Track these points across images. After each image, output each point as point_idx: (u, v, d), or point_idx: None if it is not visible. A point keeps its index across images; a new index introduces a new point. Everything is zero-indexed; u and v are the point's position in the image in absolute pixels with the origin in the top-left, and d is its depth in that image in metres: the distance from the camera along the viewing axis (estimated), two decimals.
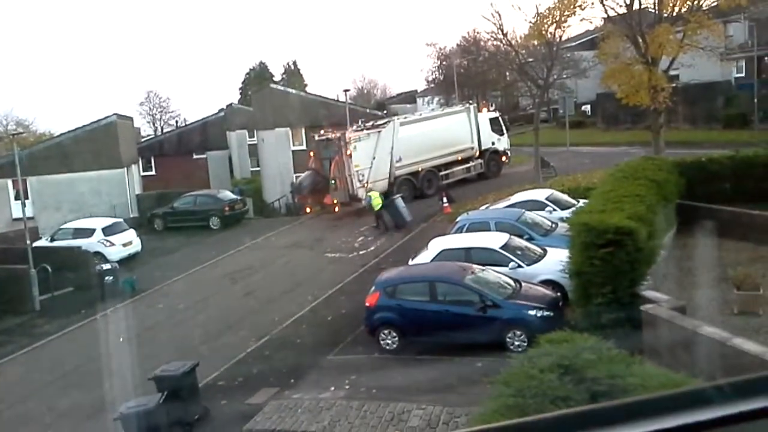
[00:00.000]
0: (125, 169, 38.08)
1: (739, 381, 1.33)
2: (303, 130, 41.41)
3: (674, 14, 26.70)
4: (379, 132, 33.25)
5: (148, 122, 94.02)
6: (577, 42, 50.18)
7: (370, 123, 35.15)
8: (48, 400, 15.91)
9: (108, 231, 29.08)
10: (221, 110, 59.07)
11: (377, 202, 29.23)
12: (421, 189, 34.17)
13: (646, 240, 12.65)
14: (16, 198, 33.42)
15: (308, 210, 32.87)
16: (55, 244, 28.64)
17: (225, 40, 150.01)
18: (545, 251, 17.65)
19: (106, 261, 26.35)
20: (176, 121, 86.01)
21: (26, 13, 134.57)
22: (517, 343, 13.92)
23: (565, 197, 23.83)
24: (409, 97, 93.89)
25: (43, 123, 75.82)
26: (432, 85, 75.66)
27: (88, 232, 28.92)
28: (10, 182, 34.76)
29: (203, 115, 60.15)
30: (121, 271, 24.82)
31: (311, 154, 34.35)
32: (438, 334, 14.91)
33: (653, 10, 27.47)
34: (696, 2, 26.16)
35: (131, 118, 49.11)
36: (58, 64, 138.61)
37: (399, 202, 29.08)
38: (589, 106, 58.70)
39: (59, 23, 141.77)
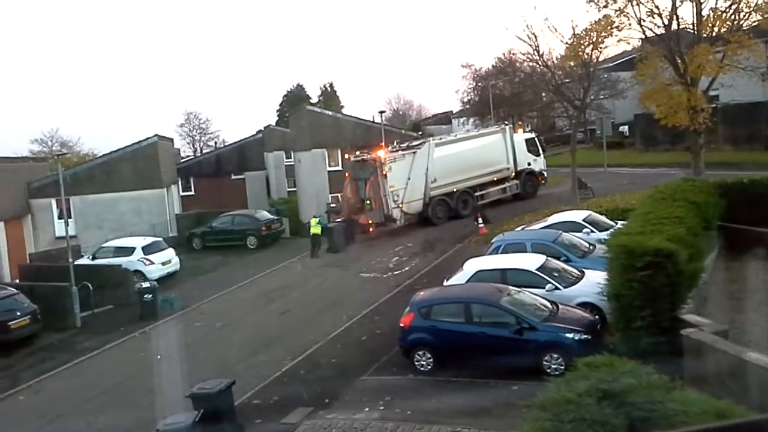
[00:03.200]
0: (165, 189, 38.81)
1: None
2: (339, 151, 41.74)
3: (714, 34, 26.38)
4: (414, 153, 33.36)
5: (188, 143, 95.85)
6: (615, 62, 49.84)
7: (405, 144, 35.31)
8: (87, 416, 16.14)
9: (148, 250, 29.61)
10: (259, 132, 59.97)
11: (315, 229, 31.45)
12: (456, 209, 34.12)
13: (686, 262, 12.42)
14: (60, 217, 34.31)
15: (372, 230, 32.65)
16: (97, 262, 29.25)
17: (263, 63, 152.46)
18: (583, 273, 17.44)
19: (146, 279, 26.80)
20: (215, 143, 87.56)
21: (72, 36, 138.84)
22: (554, 366, 13.74)
23: (602, 218, 23.56)
24: (445, 118, 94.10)
25: (87, 144, 77.45)
26: (467, 106, 75.64)
27: (129, 251, 29.48)
28: (54, 201, 35.70)
29: (241, 136, 61.15)
30: (160, 290, 25.18)
31: (346, 174, 34.59)
32: (473, 357, 14.79)
33: (692, 31, 27.17)
34: (736, 22, 25.83)
35: (171, 140, 50.18)
36: (102, 86, 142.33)
37: (337, 228, 31.67)
38: (627, 127, 58.11)
39: (104, 48, 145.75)
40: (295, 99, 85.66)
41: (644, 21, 26.48)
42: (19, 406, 17.66)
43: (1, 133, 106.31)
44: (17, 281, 28.35)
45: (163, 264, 29.60)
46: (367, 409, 13.70)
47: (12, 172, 36.06)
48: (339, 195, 36.99)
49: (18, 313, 22.52)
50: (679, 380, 7.79)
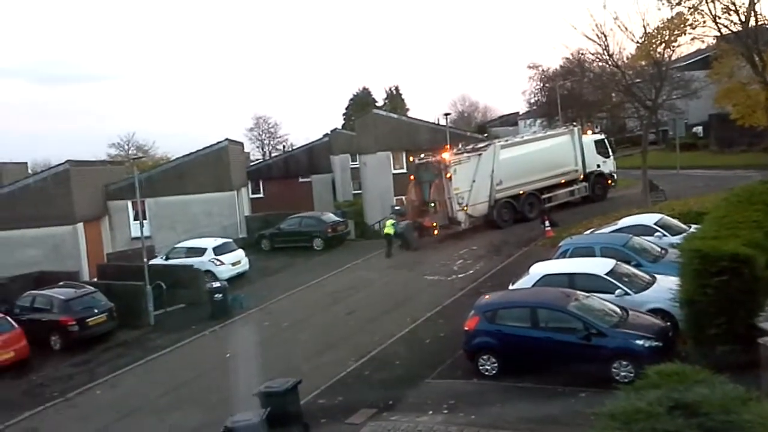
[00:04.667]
0: (235, 191, 39.73)
1: None
2: (404, 154, 41.89)
3: None
4: (480, 155, 33.14)
5: (257, 147, 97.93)
6: (688, 61, 48.26)
7: (471, 146, 35.10)
8: (159, 411, 16.70)
9: (218, 250, 30.37)
10: (326, 135, 60.73)
11: (389, 230, 31.62)
12: (522, 212, 33.71)
13: (763, 268, 11.96)
14: (135, 218, 35.55)
15: (436, 233, 32.79)
16: (170, 262, 30.17)
17: (330, 67, 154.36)
18: (654, 278, 16.98)
19: (216, 279, 27.48)
20: (283, 146, 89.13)
21: (147, 43, 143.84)
22: (623, 373, 13.41)
23: (675, 222, 22.91)
24: (511, 120, 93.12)
25: (162, 147, 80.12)
26: (534, 108, 74.67)
27: (200, 251, 30.30)
28: (129, 203, 37.05)
29: (309, 139, 62.03)
30: (229, 289, 25.78)
31: (411, 177, 34.64)
32: (539, 362, 14.57)
33: None
34: None
35: (242, 143, 51.33)
36: (177, 92, 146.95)
37: (408, 228, 32.07)
38: (700, 128, 56.21)
39: (178, 55, 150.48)
40: (361, 102, 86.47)
41: (719, 18, 25.65)
42: (96, 400, 18.41)
43: (82, 137, 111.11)
44: (95, 280, 29.52)
45: (233, 264, 30.29)
46: (430, 412, 13.69)
47: (91, 175, 37.58)
48: (403, 197, 37.08)
49: (95, 311, 23.48)
50: (756, 391, 7.51)
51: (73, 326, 22.76)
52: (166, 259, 30.85)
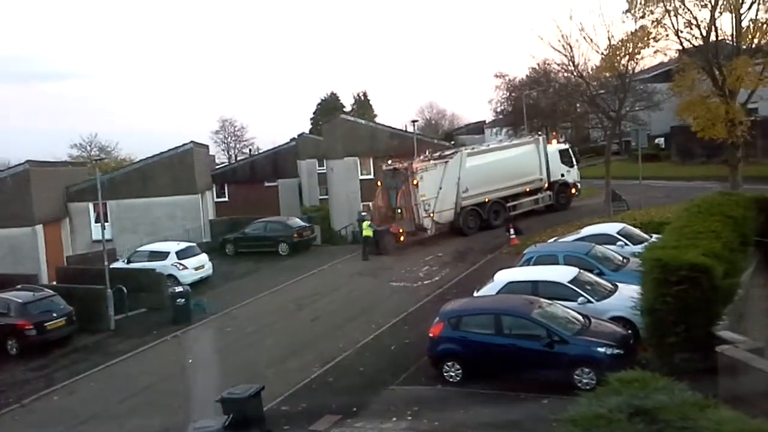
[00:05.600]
0: (200, 195, 39.32)
1: None
2: (371, 160, 41.94)
3: (753, 46, 25.95)
4: (446, 162, 33.33)
5: (223, 150, 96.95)
6: (651, 74, 49.22)
7: (438, 153, 35.29)
8: (119, 418, 16.38)
9: (181, 254, 29.99)
10: (293, 139, 60.50)
11: (367, 231, 31.74)
12: (487, 220, 33.97)
13: (722, 278, 12.20)
14: (96, 221, 34.95)
15: (402, 239, 32.74)
16: (131, 265, 29.69)
17: (298, 71, 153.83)
18: (616, 287, 17.23)
19: (179, 284, 27.12)
20: (249, 150, 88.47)
21: (112, 44, 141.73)
22: (585, 380, 13.57)
23: (637, 232, 23.27)
24: (477, 128, 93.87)
25: (125, 149, 78.85)
26: (500, 116, 75.38)
27: (163, 255, 29.89)
28: (91, 205, 36.42)
29: (275, 143, 61.73)
30: (192, 294, 25.46)
31: (378, 183, 34.67)
32: (503, 369, 14.67)
33: (731, 42, 26.76)
34: None
35: (207, 146, 50.87)
36: (141, 93, 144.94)
37: (386, 231, 32.18)
38: (662, 139, 57.31)
39: (142, 56, 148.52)
40: (328, 107, 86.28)
41: (682, 32, 26.22)
42: (54, 406, 17.99)
43: (43, 137, 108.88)
44: (54, 283, 28.91)
45: (196, 269, 29.95)
46: (394, 419, 13.68)
47: (52, 176, 36.85)
48: (371, 203, 37.09)
49: (54, 315, 22.97)
50: (713, 398, 7.66)
51: (30, 330, 22.23)
52: (128, 262, 30.36)
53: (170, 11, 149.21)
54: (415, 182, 32.03)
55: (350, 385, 16.27)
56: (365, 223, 32.61)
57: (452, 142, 56.01)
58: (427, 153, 35.54)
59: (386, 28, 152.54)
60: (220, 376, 16.52)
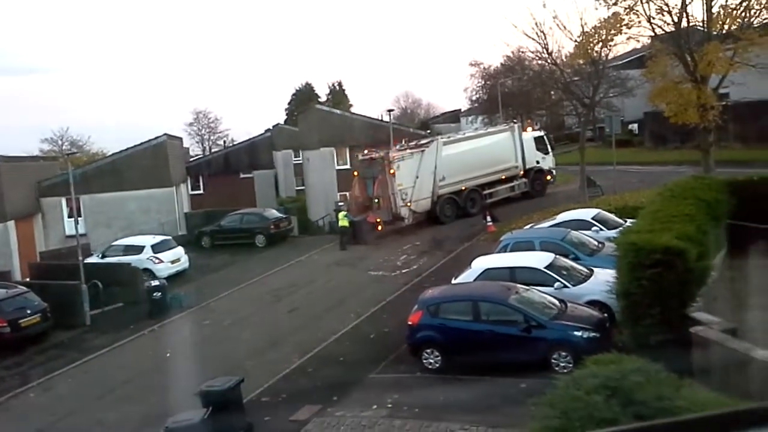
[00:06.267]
0: (174, 187, 38.93)
1: (758, 408, 1.32)
2: (347, 150, 41.80)
3: (724, 32, 26.20)
4: (423, 151, 33.34)
5: (197, 142, 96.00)
6: (624, 60, 49.58)
7: (414, 142, 35.28)
8: (97, 413, 16.24)
9: (157, 248, 29.72)
10: (268, 130, 60.07)
11: (343, 222, 31.76)
12: (464, 208, 34.08)
13: (695, 261, 12.37)
14: (69, 216, 34.49)
15: (380, 228, 32.69)
16: (106, 260, 29.37)
17: (272, 61, 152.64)
18: (591, 271, 17.41)
19: (155, 277, 26.88)
20: (224, 141, 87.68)
21: (83, 36, 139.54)
22: (562, 364, 13.72)
23: (612, 217, 23.49)
24: (453, 117, 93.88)
25: (97, 143, 77.75)
26: (476, 105, 75.49)
27: (138, 249, 29.60)
28: (63, 200, 35.91)
29: (250, 135, 61.24)
30: (169, 288, 25.26)
31: (355, 173, 34.60)
32: (481, 354, 14.79)
33: (702, 28, 27.00)
34: (746, 19, 25.64)
35: (181, 139, 50.35)
36: (113, 85, 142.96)
37: (363, 221, 32.17)
38: (636, 125, 57.84)
39: (114, 46, 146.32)
40: (303, 98, 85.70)
41: (654, 19, 26.31)
42: (30, 403, 17.80)
43: (12, 132, 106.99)
44: (28, 279, 28.51)
45: (172, 262, 29.70)
46: (375, 406, 13.72)
47: (23, 171, 36.25)
48: (347, 193, 37.02)
49: (28, 311, 22.65)
50: (688, 378, 7.78)
51: (4, 328, 21.90)
52: (103, 257, 30.03)
53: (141, 3, 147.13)
54: (392, 171, 32.01)
55: (330, 375, 16.28)
56: (341, 214, 32.56)
57: (428, 131, 56.01)
58: (403, 142, 35.51)
59: (361, 18, 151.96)
60: (198, 369, 16.42)
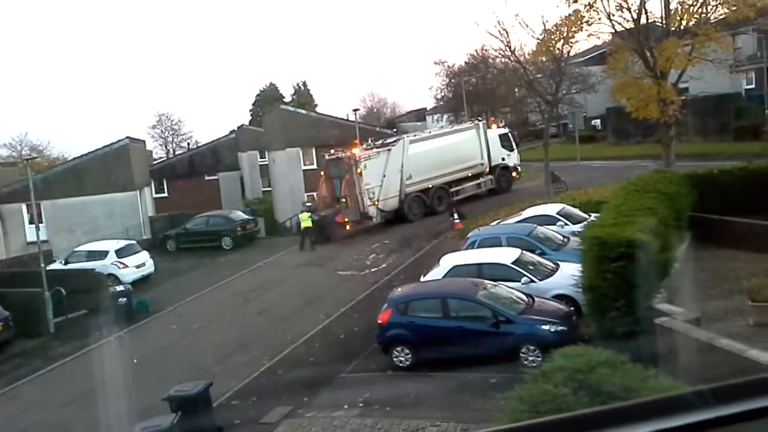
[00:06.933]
0: (138, 191, 38.37)
1: (720, 386, 1.36)
2: (314, 150, 41.63)
3: (682, 28, 26.71)
4: (389, 150, 33.38)
5: (160, 145, 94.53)
6: (586, 57, 50.23)
7: (380, 141, 35.30)
8: (62, 422, 15.95)
9: (121, 253, 29.28)
10: (232, 132, 59.52)
11: (306, 222, 31.60)
12: (431, 206, 34.19)
13: (658, 253, 12.59)
14: (30, 222, 33.78)
15: (348, 227, 32.58)
16: (69, 266, 28.84)
17: (235, 62, 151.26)
18: (557, 266, 17.58)
19: (120, 283, 26.49)
20: (188, 144, 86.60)
21: (39, 37, 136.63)
22: (531, 358, 13.84)
23: (576, 211, 23.78)
24: (419, 115, 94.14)
25: (57, 147, 76.19)
26: (441, 103, 75.86)
27: (102, 255, 29.13)
28: (24, 206, 35.14)
29: (214, 136, 60.57)
30: (134, 293, 24.92)
31: (322, 173, 34.49)
32: (451, 350, 14.83)
33: (661, 24, 27.49)
34: (704, 15, 26.17)
35: (143, 141, 49.59)
36: (71, 88, 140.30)
37: (328, 218, 32.39)
38: (599, 121, 58.65)
39: (72, 48, 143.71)
40: (268, 98, 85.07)
41: (613, 15, 26.69)
42: None
43: None
44: None
45: (137, 267, 29.30)
46: (346, 406, 13.69)
47: None
48: (314, 193, 36.89)
49: None
50: (654, 368, 7.90)
51: None
52: (66, 263, 29.48)
53: (101, 4, 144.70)
54: (358, 171, 31.99)
55: (300, 377, 16.18)
56: (304, 214, 32.36)
57: (394, 130, 56.11)
58: (369, 141, 35.51)
59: (325, 17, 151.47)
60: (166, 375, 16.22)
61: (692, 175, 21.28)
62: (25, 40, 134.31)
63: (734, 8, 25.80)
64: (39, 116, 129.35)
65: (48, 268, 26.07)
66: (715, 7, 26.29)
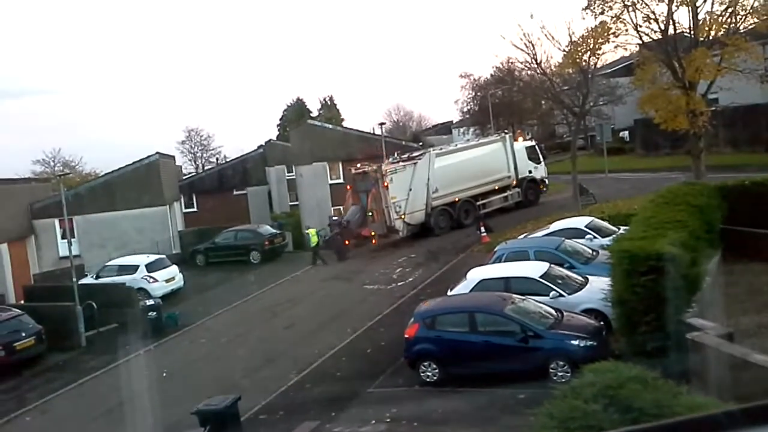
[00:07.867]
0: (167, 206, 38.85)
1: (752, 406, 1.35)
2: (340, 164, 41.82)
3: (711, 38, 26.43)
4: (415, 164, 33.42)
5: (190, 160, 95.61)
6: (613, 68, 49.92)
7: (406, 155, 35.35)
8: None
9: (151, 267, 29.63)
10: (260, 147, 60.03)
11: (314, 239, 32.09)
12: (458, 219, 34.11)
13: (689, 266, 12.41)
14: (63, 237, 34.36)
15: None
16: (101, 281, 29.26)
17: (263, 77, 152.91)
18: (586, 279, 17.41)
19: (150, 297, 26.77)
20: (216, 159, 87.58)
21: (71, 54, 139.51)
22: (560, 373, 13.69)
23: (605, 224, 23.54)
24: (445, 129, 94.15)
25: (89, 163, 77.38)
26: (467, 116, 75.73)
27: (132, 269, 29.50)
28: (57, 222, 35.77)
29: (243, 151, 61.17)
30: (164, 307, 25.16)
31: (348, 187, 34.63)
32: (479, 366, 14.74)
33: (689, 35, 27.23)
34: (733, 25, 25.88)
35: (173, 157, 50.29)
36: (104, 106, 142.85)
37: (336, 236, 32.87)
38: (627, 132, 58.09)
39: (104, 66, 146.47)
40: (295, 113, 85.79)
41: (641, 27, 26.53)
42: (26, 427, 17.66)
43: (4, 154, 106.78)
44: (22, 302, 28.35)
45: (167, 281, 29.61)
46: (373, 421, 13.65)
47: (15, 194, 36.14)
48: (341, 207, 37.02)
49: (23, 334, 22.51)
50: (686, 384, 7.77)
51: None
52: (97, 278, 29.91)
53: (130, 22, 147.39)
54: (385, 184, 32.07)
55: (327, 391, 16.20)
56: (311, 231, 32.65)
57: (420, 143, 56.15)
58: (396, 155, 35.59)
59: (351, 32, 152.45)
60: (195, 389, 16.33)
61: (723, 187, 20.93)
62: (58, 58, 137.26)
63: (764, 18, 25.51)
64: (71, 133, 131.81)
65: (80, 283, 26.48)
66: (744, 17, 26.01)
